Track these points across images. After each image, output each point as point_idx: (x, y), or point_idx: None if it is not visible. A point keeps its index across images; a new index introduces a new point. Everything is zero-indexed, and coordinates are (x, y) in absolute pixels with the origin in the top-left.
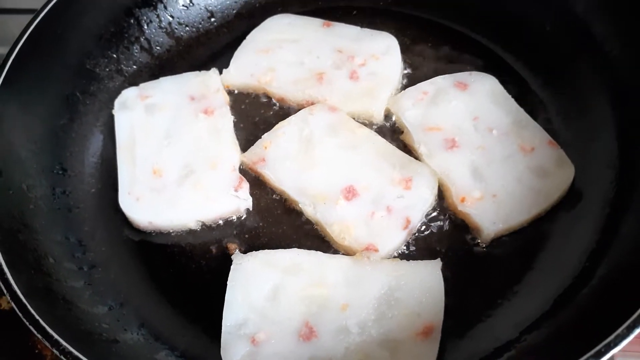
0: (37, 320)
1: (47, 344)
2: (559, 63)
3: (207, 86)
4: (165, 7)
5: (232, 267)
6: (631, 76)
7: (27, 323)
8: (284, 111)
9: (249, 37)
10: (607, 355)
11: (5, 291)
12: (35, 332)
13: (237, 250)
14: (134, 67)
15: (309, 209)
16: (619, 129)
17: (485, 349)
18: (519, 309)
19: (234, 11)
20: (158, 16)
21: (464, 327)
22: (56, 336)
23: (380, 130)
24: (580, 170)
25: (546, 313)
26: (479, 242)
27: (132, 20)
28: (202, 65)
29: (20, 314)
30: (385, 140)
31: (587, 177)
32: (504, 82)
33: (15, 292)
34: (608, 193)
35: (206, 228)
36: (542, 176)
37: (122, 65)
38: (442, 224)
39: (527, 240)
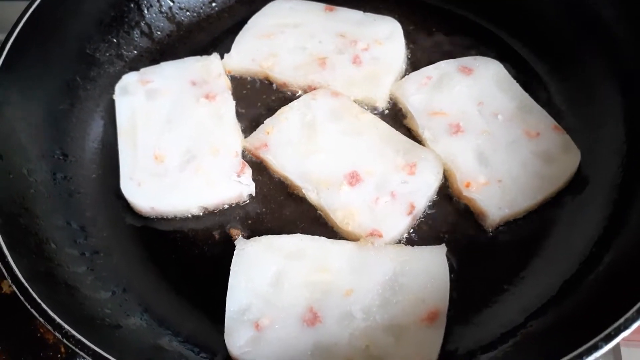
0: (39, 304)
1: (49, 327)
2: (565, 48)
3: (209, 71)
4: None
5: (235, 252)
6: (638, 60)
7: (29, 307)
8: (286, 96)
9: (250, 21)
10: (617, 338)
11: (6, 274)
12: (37, 315)
13: (240, 235)
14: (135, 52)
15: (312, 195)
16: (627, 114)
17: (491, 334)
18: (524, 294)
19: None
20: (159, 0)
21: (469, 313)
22: (59, 320)
23: (384, 116)
24: (586, 155)
25: (552, 299)
26: (484, 228)
27: (132, 5)
28: (203, 50)
29: (22, 298)
30: (389, 125)
31: (593, 162)
32: (508, 68)
33: (16, 276)
34: (615, 179)
35: (209, 213)
36: (547, 161)
37: (123, 50)
38: (446, 209)
39: (532, 226)
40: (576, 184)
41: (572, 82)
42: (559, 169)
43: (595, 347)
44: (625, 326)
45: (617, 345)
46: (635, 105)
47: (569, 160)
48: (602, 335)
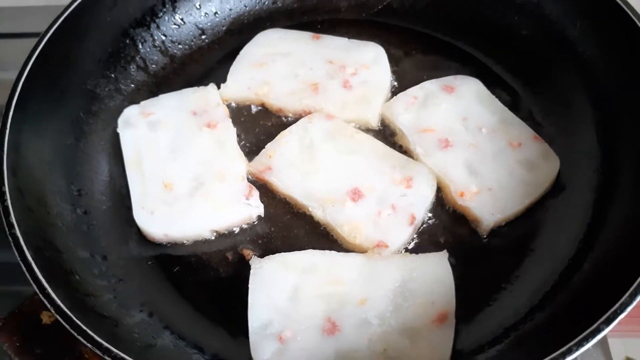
0: (85, 331)
1: (98, 351)
2: (537, 65)
3: (207, 101)
4: (158, 27)
5: (251, 271)
6: (605, 73)
7: (76, 334)
8: (283, 121)
9: (242, 52)
10: (615, 321)
11: (48, 305)
12: (84, 341)
13: (253, 255)
14: (132, 85)
15: (318, 212)
16: (597, 122)
17: (494, 330)
18: (522, 292)
19: (224, 28)
20: (152, 35)
21: (472, 313)
22: (106, 344)
23: (377, 134)
24: (565, 162)
25: (546, 294)
26: (479, 233)
27: (127, 40)
28: (197, 81)
29: (67, 326)
30: (383, 143)
31: (571, 168)
32: (487, 85)
33: (59, 306)
34: (592, 182)
35: (220, 236)
36: (530, 168)
37: (121, 85)
38: (443, 218)
39: (523, 229)
40: (558, 188)
41: (546, 96)
42: (542, 175)
43: (586, 339)
44: (621, 309)
45: (605, 337)
46: (604, 114)
47: (550, 167)
48: (603, 318)
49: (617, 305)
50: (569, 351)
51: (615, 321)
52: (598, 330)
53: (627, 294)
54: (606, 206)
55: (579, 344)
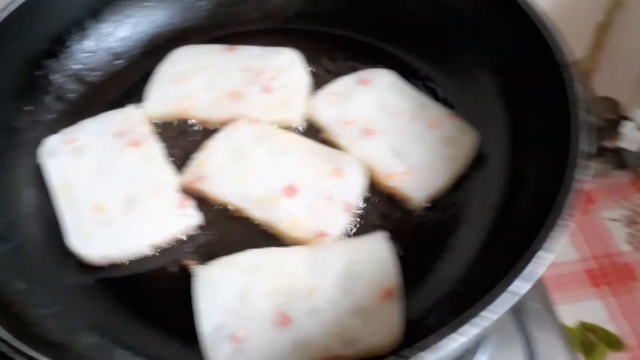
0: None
1: None
2: (438, 47)
3: (129, 121)
4: (69, 56)
5: (195, 279)
6: (501, 42)
7: None
8: (209, 131)
9: (158, 70)
10: (533, 279)
11: None
12: None
13: (196, 263)
14: (51, 115)
15: (256, 212)
16: (501, 88)
17: (438, 296)
18: (457, 258)
19: (140, 50)
20: (64, 65)
21: (415, 284)
22: None
23: (303, 133)
24: (482, 132)
25: (480, 252)
26: (411, 210)
27: (39, 73)
28: (117, 104)
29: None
30: (309, 139)
31: (488, 137)
32: (402, 74)
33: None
34: (507, 150)
35: (161, 251)
36: (451, 145)
37: (39, 116)
38: (377, 201)
39: (452, 201)
40: (480, 159)
41: (456, 75)
42: (462, 149)
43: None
44: (551, 249)
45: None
46: (506, 83)
47: (469, 141)
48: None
49: (533, 260)
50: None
51: (534, 279)
52: (513, 286)
53: (541, 249)
54: (521, 169)
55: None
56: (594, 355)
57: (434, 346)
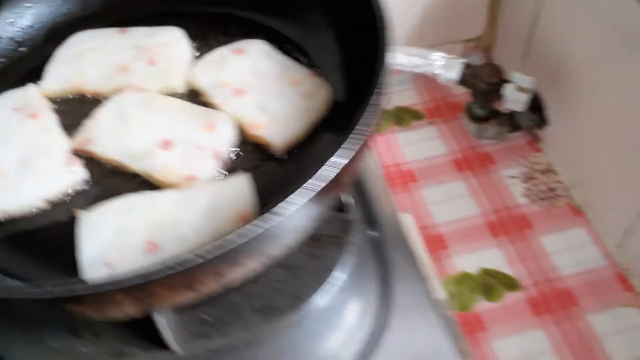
0: None
1: None
2: (304, 19)
3: (27, 97)
4: None
5: (77, 222)
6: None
7: None
8: (100, 102)
9: (56, 54)
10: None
11: None
12: None
13: (82, 210)
14: None
15: (136, 165)
16: (342, 54)
17: None
18: None
19: (41, 38)
20: None
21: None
22: None
23: (185, 98)
24: (333, 85)
25: None
26: (275, 155)
27: None
28: (18, 85)
29: None
30: (189, 103)
31: (337, 90)
32: (274, 44)
33: None
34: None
35: (53, 205)
36: (309, 98)
37: None
38: (245, 149)
39: (311, 143)
40: (333, 108)
41: (315, 39)
42: (317, 102)
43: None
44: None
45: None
46: (347, 52)
47: (324, 95)
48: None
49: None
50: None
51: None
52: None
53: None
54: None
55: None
56: (493, 296)
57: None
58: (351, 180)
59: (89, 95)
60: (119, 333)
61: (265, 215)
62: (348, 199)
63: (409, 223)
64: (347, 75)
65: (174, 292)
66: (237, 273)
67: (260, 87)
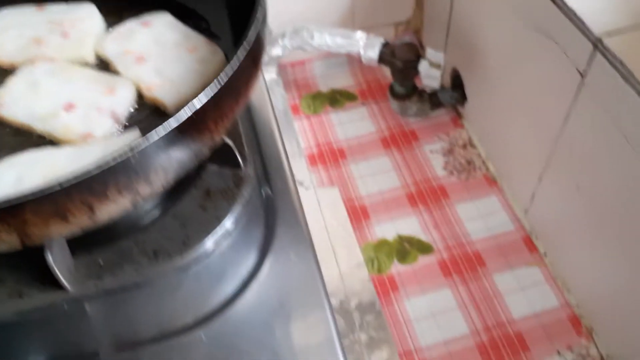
0: None
1: None
2: None
3: None
4: None
5: None
6: None
7: None
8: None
9: None
10: None
11: None
12: None
13: None
14: None
15: (41, 126)
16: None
17: None
18: None
19: None
20: None
21: None
22: None
23: (94, 67)
24: (227, 51)
25: None
26: (169, 114)
27: None
28: None
29: None
30: (96, 71)
31: (231, 53)
32: (182, 18)
33: None
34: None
35: None
36: (203, 63)
37: None
38: (143, 109)
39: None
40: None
41: (213, 11)
42: (211, 66)
43: None
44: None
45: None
46: (233, 18)
47: (217, 60)
48: None
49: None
50: None
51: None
52: None
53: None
54: None
55: None
56: (407, 259)
57: None
58: (221, 125)
59: (4, 67)
60: (20, 276)
61: (123, 149)
62: (244, 156)
63: (336, 195)
64: (235, 40)
65: (46, 220)
66: (109, 207)
67: (161, 54)
